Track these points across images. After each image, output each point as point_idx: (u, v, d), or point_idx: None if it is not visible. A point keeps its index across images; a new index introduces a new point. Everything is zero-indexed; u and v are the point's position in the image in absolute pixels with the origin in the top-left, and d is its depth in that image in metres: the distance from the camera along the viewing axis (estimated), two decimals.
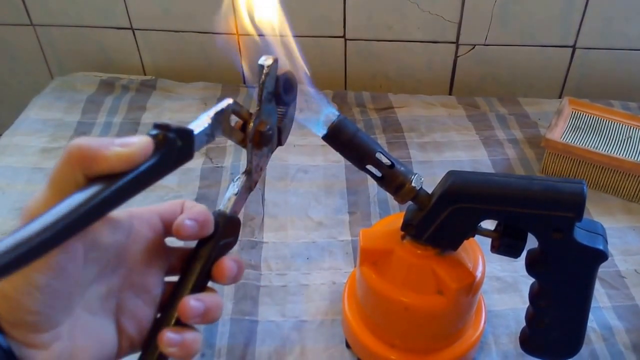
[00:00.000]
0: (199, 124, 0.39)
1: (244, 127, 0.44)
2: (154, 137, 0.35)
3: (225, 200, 0.44)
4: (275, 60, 0.43)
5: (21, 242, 0.29)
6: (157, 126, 0.36)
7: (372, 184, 0.88)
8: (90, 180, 0.33)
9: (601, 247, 0.51)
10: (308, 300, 0.72)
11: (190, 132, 0.37)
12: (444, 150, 0.99)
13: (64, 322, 0.37)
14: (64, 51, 1.25)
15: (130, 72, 1.21)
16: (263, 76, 0.43)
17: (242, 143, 0.44)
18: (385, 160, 0.51)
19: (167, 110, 1.09)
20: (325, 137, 0.50)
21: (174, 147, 0.36)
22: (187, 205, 0.45)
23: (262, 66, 0.43)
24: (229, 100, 0.42)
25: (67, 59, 1.26)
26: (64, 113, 1.07)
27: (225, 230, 0.43)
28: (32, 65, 1.28)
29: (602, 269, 0.52)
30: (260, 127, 0.44)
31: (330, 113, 0.50)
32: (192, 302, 0.40)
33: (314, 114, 0.50)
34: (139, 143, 0.35)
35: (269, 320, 0.69)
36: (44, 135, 1.01)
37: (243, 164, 0.91)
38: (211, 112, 0.40)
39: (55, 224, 0.30)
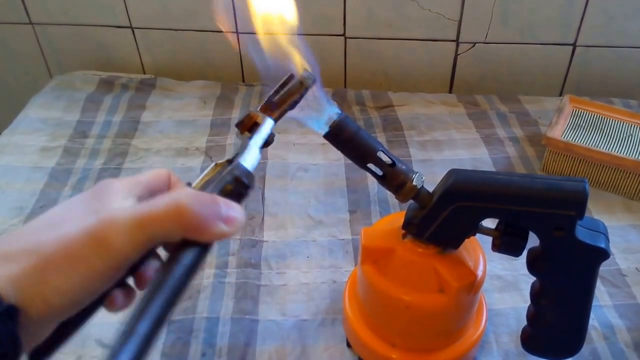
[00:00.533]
0: (253, 160, 0.41)
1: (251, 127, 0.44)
2: (232, 191, 0.38)
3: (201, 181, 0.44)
4: (314, 81, 0.46)
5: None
6: (237, 181, 0.39)
7: (372, 182, 0.88)
8: (184, 242, 0.36)
9: (603, 246, 0.50)
10: (308, 299, 0.72)
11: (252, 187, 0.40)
12: (444, 148, 0.99)
13: None
14: (63, 50, 1.25)
15: (130, 71, 1.21)
16: (298, 95, 0.45)
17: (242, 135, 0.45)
18: (386, 159, 0.51)
19: (167, 109, 1.09)
20: (327, 136, 0.50)
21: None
22: (177, 184, 0.45)
23: (301, 84, 0.45)
24: (272, 122, 0.44)
25: (66, 57, 1.26)
26: (63, 112, 1.07)
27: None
28: (31, 64, 1.27)
29: (603, 267, 0.52)
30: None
31: (331, 111, 0.50)
32: (149, 270, 0.41)
33: (316, 112, 0.49)
34: (239, 222, 0.38)
35: (269, 320, 0.69)
36: (43, 134, 1.01)
37: None
38: (259, 141, 0.43)
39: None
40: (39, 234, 0.36)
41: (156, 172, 0.44)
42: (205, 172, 0.44)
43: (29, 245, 0.35)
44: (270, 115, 0.45)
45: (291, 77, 0.46)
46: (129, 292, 0.40)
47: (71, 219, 0.37)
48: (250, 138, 0.43)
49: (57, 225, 0.36)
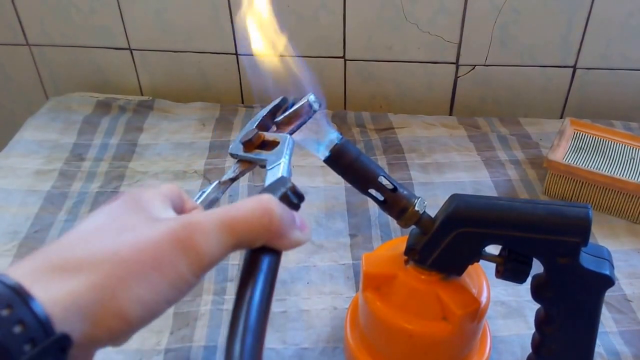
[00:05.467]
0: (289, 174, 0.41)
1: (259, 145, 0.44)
2: (290, 202, 0.38)
3: (207, 199, 0.44)
4: (320, 105, 0.46)
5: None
6: (297, 195, 0.38)
7: (373, 206, 0.87)
8: (262, 249, 0.35)
9: (607, 273, 0.50)
10: (309, 326, 0.71)
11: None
12: (446, 171, 0.98)
13: None
14: (60, 71, 1.24)
15: (127, 93, 1.20)
16: (306, 117, 0.45)
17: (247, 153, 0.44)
18: (387, 183, 0.50)
19: (165, 131, 1.08)
20: (327, 160, 0.49)
21: None
22: (188, 201, 0.43)
23: (310, 107, 0.45)
24: (293, 140, 0.43)
25: (63, 79, 1.25)
26: (60, 134, 1.06)
27: None
28: (27, 85, 1.27)
29: (608, 293, 0.51)
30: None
31: (332, 136, 0.49)
32: None
33: (316, 136, 0.49)
34: (309, 233, 0.38)
35: (269, 348, 0.68)
36: (38, 156, 1.00)
37: (242, 185, 0.91)
38: (289, 158, 0.42)
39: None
40: (105, 239, 0.32)
41: (172, 187, 0.41)
42: (208, 190, 0.43)
43: (99, 252, 0.31)
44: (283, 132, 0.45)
45: (284, 100, 0.46)
46: None
47: (135, 224, 0.33)
48: (281, 155, 0.42)
49: (125, 231, 0.33)
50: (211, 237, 0.33)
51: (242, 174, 0.45)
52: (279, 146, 0.43)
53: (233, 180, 0.44)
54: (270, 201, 0.35)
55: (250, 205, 0.35)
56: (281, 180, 0.39)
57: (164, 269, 0.31)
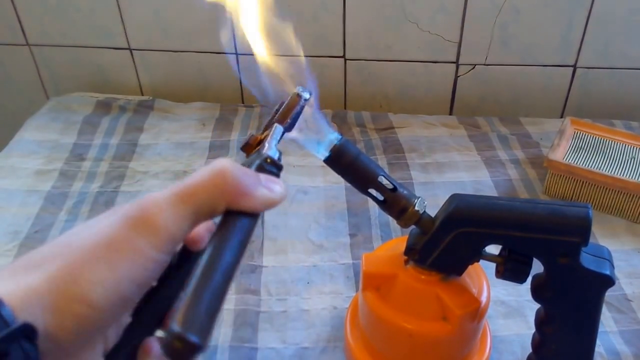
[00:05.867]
0: (274, 153, 0.40)
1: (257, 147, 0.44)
2: (265, 170, 0.38)
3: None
4: (311, 95, 0.46)
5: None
6: (268, 161, 0.38)
7: (373, 205, 0.87)
8: (228, 213, 0.34)
9: (608, 273, 0.50)
10: (309, 326, 0.71)
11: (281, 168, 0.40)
12: (446, 170, 0.98)
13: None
14: (60, 71, 1.24)
15: (128, 93, 1.20)
16: (298, 107, 0.45)
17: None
18: (387, 183, 0.50)
19: (165, 131, 1.08)
20: (327, 160, 0.49)
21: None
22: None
23: (299, 96, 0.45)
24: (282, 128, 0.43)
25: (63, 79, 1.25)
26: (60, 134, 1.06)
27: None
28: (27, 85, 1.27)
29: (608, 293, 0.51)
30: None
31: (332, 136, 0.49)
32: None
33: (316, 136, 0.49)
34: (281, 190, 0.37)
35: (269, 348, 0.68)
36: (39, 157, 1.00)
37: None
38: (274, 142, 0.41)
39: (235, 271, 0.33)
40: (70, 237, 0.33)
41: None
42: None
43: (57, 248, 0.32)
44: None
45: (301, 99, 0.46)
46: None
47: (103, 217, 0.34)
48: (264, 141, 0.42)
49: (90, 227, 0.34)
50: (166, 210, 0.33)
51: None
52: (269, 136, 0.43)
53: None
54: (222, 162, 0.35)
55: (203, 171, 0.34)
56: (257, 154, 0.39)
57: (122, 249, 0.32)
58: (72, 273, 0.31)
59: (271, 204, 0.36)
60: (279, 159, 0.40)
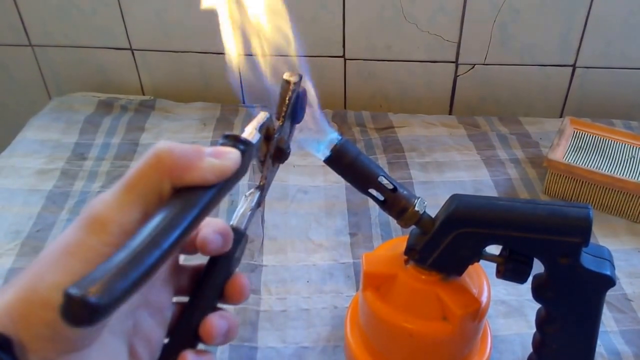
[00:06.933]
0: (250, 137, 0.39)
1: (266, 140, 0.43)
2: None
3: (239, 215, 0.42)
4: (300, 77, 0.44)
5: (138, 265, 0.29)
6: (227, 137, 0.37)
7: (373, 205, 0.87)
8: (177, 191, 0.34)
9: (608, 273, 0.50)
10: (309, 325, 0.71)
11: (252, 144, 0.38)
12: (446, 170, 0.98)
13: (95, 341, 0.35)
14: (62, 71, 1.25)
15: (129, 93, 1.21)
16: (290, 92, 0.43)
17: (261, 157, 0.43)
18: (387, 183, 0.50)
19: (166, 130, 1.08)
20: (327, 161, 0.49)
21: (245, 161, 0.37)
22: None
23: (287, 82, 0.43)
24: (267, 114, 0.42)
25: (65, 79, 1.25)
26: (62, 134, 1.06)
27: (242, 246, 0.41)
28: (29, 85, 1.27)
29: (609, 293, 0.51)
30: (280, 143, 0.43)
31: (332, 136, 0.49)
32: (217, 321, 0.38)
33: (316, 135, 0.49)
34: (233, 156, 0.36)
35: (268, 347, 0.68)
36: (41, 156, 1.00)
37: (242, 184, 0.90)
38: (255, 124, 0.40)
39: (168, 239, 0.31)
40: (43, 251, 0.34)
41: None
42: (240, 205, 0.43)
43: (25, 270, 0.33)
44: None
45: (287, 83, 0.45)
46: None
47: (69, 226, 0.35)
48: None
49: (57, 238, 0.34)
50: (111, 205, 0.33)
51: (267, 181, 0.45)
52: None
53: (258, 187, 0.44)
54: (159, 144, 0.34)
55: (142, 157, 0.34)
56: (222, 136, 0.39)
57: (74, 250, 0.32)
58: (33, 281, 0.32)
59: (223, 172, 0.35)
60: (260, 140, 0.40)
